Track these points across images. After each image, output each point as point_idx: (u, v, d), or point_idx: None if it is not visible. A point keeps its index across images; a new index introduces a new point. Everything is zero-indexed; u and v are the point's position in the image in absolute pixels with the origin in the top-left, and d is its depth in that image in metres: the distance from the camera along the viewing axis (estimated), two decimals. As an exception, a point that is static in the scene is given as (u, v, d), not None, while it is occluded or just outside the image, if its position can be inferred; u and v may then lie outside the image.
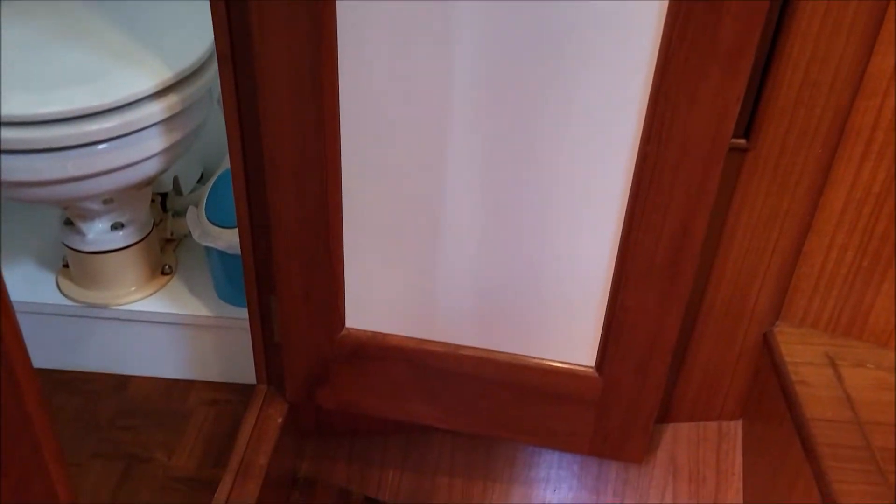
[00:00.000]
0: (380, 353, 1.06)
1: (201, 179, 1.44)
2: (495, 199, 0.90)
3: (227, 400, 1.28)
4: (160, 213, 1.34)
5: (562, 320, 0.98)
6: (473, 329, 1.01)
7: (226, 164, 1.13)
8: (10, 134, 0.94)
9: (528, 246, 0.92)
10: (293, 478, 1.22)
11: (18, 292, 1.25)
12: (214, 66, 1.02)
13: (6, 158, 0.95)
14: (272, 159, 0.93)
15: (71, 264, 1.25)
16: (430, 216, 0.93)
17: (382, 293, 1.02)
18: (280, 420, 1.13)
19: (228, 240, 1.14)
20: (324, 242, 0.98)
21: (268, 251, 1.03)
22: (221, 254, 1.17)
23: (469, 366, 1.03)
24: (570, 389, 1.02)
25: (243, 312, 1.13)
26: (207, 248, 1.19)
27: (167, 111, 1.02)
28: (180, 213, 1.37)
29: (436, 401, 1.09)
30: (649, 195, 0.85)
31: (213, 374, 1.31)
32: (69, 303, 1.24)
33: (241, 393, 1.29)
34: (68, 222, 1.20)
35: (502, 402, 1.06)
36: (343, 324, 1.05)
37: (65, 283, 1.26)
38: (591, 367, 1.00)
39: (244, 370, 1.27)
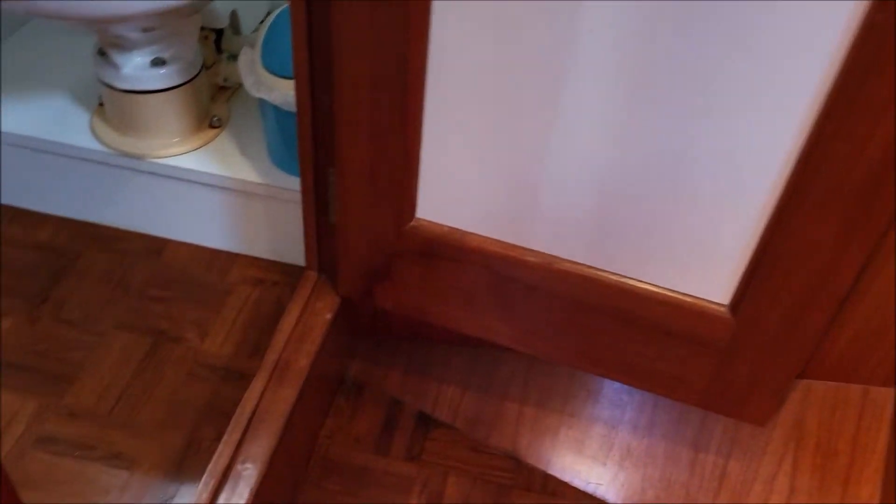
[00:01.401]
0: (455, 253, 0.85)
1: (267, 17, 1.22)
2: (642, 69, 0.66)
3: (272, 281, 1.11)
4: (213, 53, 1.13)
5: (698, 242, 0.75)
6: (580, 240, 0.79)
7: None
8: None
9: (675, 139, 0.68)
10: (339, 379, 1.06)
11: (48, 131, 1.07)
12: None
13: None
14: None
15: (106, 104, 1.07)
16: (547, 81, 0.69)
17: (467, 181, 0.81)
18: (329, 316, 0.95)
19: (286, 92, 0.93)
20: (400, 107, 0.76)
21: (330, 112, 0.81)
22: (277, 110, 0.96)
23: (566, 284, 0.82)
24: (691, 328, 0.80)
25: (296, 184, 0.93)
26: (261, 102, 0.98)
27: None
28: (237, 57, 1.16)
29: (517, 319, 0.89)
30: (864, 87, 0.59)
31: (259, 250, 1.13)
32: (102, 148, 1.06)
33: (289, 275, 1.12)
34: (101, 52, 1.00)
35: (599, 332, 0.85)
36: (413, 213, 0.85)
37: (99, 125, 1.08)
38: (723, 306, 0.78)
39: (295, 249, 1.09)
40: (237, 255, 1.14)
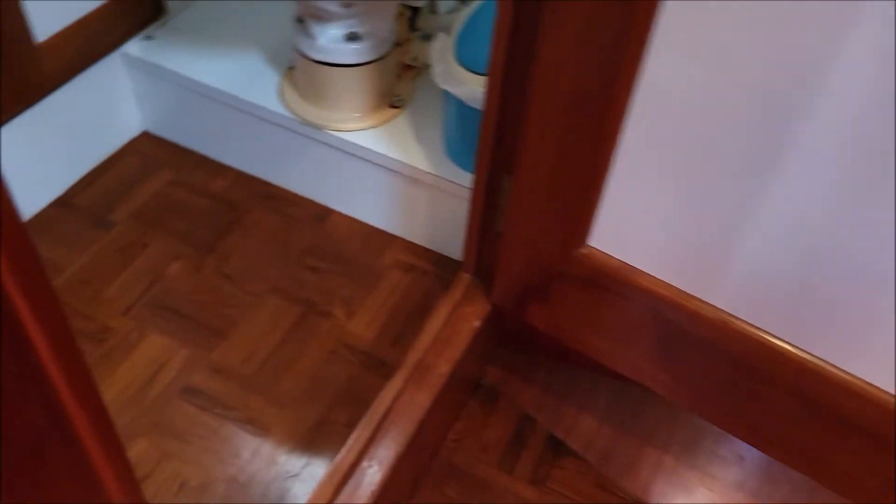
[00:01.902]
0: (623, 289, 0.79)
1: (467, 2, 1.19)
2: (888, 140, 0.56)
3: (425, 270, 1.09)
4: (406, 31, 1.11)
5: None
6: (769, 306, 0.71)
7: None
8: None
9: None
10: (476, 382, 1.03)
11: (239, 88, 1.10)
12: None
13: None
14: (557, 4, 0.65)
15: (296, 70, 1.07)
16: (770, 134, 0.62)
17: (653, 219, 0.74)
18: (477, 323, 0.92)
19: (473, 88, 0.89)
20: (596, 128, 0.70)
21: (518, 119, 0.77)
22: (461, 103, 0.93)
23: (742, 348, 0.74)
24: (883, 427, 0.70)
25: (467, 180, 0.90)
26: (446, 92, 0.95)
27: None
28: (430, 37, 1.13)
29: (676, 369, 0.82)
30: None
31: (418, 236, 1.12)
32: (285, 113, 1.07)
33: (443, 267, 1.09)
34: (300, 20, 1.00)
35: (767, 404, 0.77)
36: (585, 239, 0.79)
37: (286, 89, 1.09)
38: (921, 410, 0.68)
39: (453, 242, 1.06)
40: (394, 237, 1.13)
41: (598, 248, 0.79)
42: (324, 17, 0.97)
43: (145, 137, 1.24)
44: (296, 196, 1.17)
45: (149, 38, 1.16)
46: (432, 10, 1.12)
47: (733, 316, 0.73)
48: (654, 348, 0.82)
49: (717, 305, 0.74)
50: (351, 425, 0.92)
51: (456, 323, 0.92)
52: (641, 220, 0.76)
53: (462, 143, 0.99)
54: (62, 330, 0.39)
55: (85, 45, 1.07)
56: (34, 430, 0.37)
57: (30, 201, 1.10)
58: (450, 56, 0.92)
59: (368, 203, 1.12)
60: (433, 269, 1.09)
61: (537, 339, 1.02)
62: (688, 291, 0.75)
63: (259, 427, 0.92)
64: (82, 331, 0.99)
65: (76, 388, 0.39)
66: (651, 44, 0.62)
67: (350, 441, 0.81)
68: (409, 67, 1.12)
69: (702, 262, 0.73)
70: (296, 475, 0.88)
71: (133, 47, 1.15)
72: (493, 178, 0.85)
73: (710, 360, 0.78)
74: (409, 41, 1.12)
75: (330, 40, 0.99)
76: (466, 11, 0.96)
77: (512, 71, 0.77)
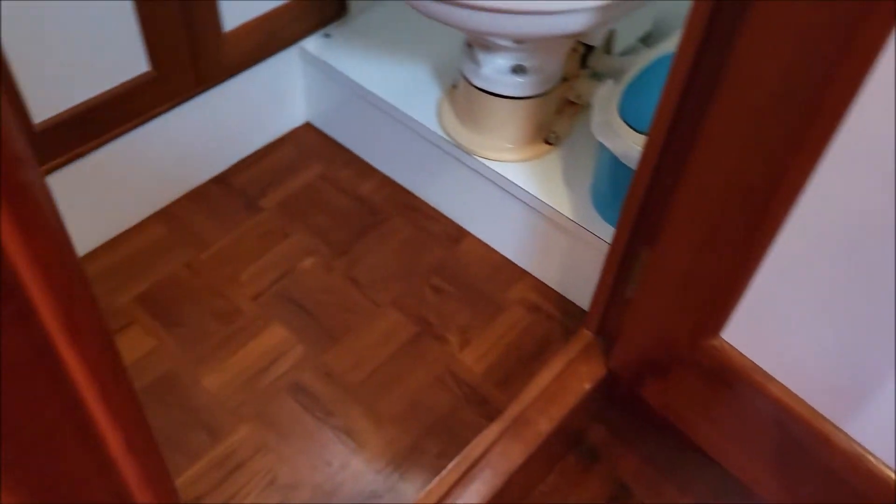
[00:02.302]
0: (749, 392, 0.74)
1: (647, 40, 1.14)
2: None
3: (549, 314, 1.07)
4: (577, 67, 1.08)
5: None
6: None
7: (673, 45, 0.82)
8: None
9: None
10: (577, 438, 1.00)
11: (400, 99, 1.11)
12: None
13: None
14: (736, 83, 0.60)
15: (458, 90, 1.07)
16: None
17: (797, 328, 0.68)
18: (588, 386, 0.89)
19: (630, 146, 0.86)
20: (753, 221, 0.65)
21: (669, 192, 0.73)
22: (615, 158, 0.89)
23: (867, 485, 0.67)
24: None
25: (609, 233, 0.87)
26: (601, 143, 0.92)
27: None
28: (599, 76, 1.10)
29: (788, 482, 0.76)
30: None
31: (549, 277, 1.09)
32: (439, 131, 1.08)
33: (568, 314, 1.07)
34: (469, 44, 1.00)
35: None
36: (718, 331, 0.74)
37: (445, 108, 1.09)
38: None
39: (582, 291, 1.03)
40: (525, 273, 1.11)
41: (730, 342, 0.74)
42: (493, 49, 0.96)
43: (307, 128, 1.28)
44: (436, 212, 1.17)
45: (327, 35, 1.20)
46: (607, 49, 1.08)
47: (869, 452, 0.66)
48: (769, 456, 0.76)
49: (853, 436, 0.67)
50: (442, 457, 0.92)
51: (567, 380, 0.89)
52: (784, 326, 0.70)
53: (609, 197, 0.95)
54: (77, 304, 0.33)
55: (266, 38, 1.12)
56: (41, 418, 0.33)
57: (194, 174, 1.17)
58: (613, 107, 0.89)
59: (505, 234, 1.11)
60: (558, 314, 1.07)
61: (649, 407, 0.98)
62: (821, 412, 0.69)
63: (354, 439, 0.94)
64: (214, 309, 1.04)
65: (93, 372, 0.34)
66: (826, 153, 0.57)
67: (437, 479, 0.81)
68: (571, 104, 1.10)
69: (845, 385, 0.66)
70: (379, 497, 0.89)
71: (311, 44, 1.19)
72: (632, 246, 0.82)
73: (832, 488, 0.72)
74: (578, 78, 1.09)
75: (495, 70, 0.98)
76: (641, 63, 0.92)
77: (673, 140, 0.73)
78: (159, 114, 1.05)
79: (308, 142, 1.26)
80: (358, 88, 1.14)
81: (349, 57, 1.17)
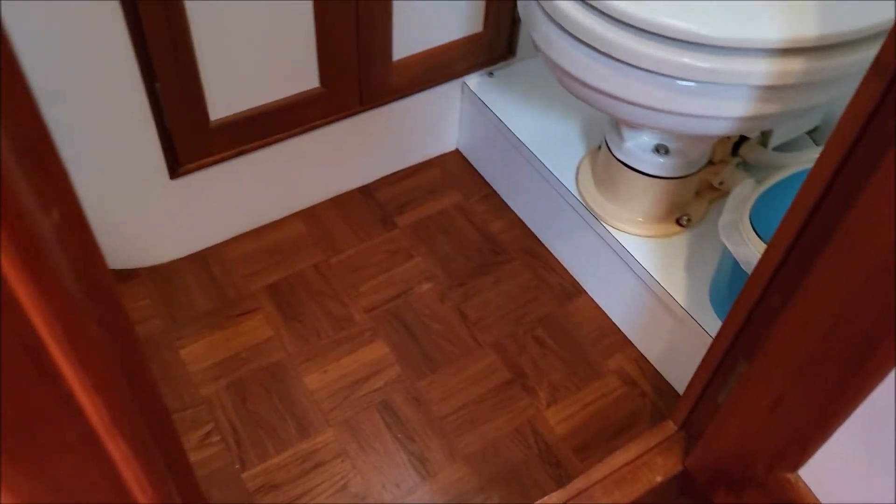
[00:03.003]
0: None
1: (815, 134, 1.10)
2: None
3: (643, 391, 1.06)
4: (725, 153, 1.06)
5: None
6: None
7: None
8: (586, 21, 0.75)
9: None
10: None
11: (542, 150, 1.14)
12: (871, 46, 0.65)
13: (569, 44, 0.77)
14: (858, 223, 0.59)
15: (599, 155, 1.09)
16: None
17: (879, 486, 0.65)
18: (660, 479, 0.88)
19: (751, 253, 0.84)
20: (848, 369, 0.63)
21: (776, 312, 0.72)
22: (736, 260, 0.88)
23: None
24: None
25: (715, 326, 0.86)
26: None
27: (787, 77, 0.71)
28: (749, 167, 1.08)
29: None
30: None
31: (652, 353, 1.09)
32: (573, 190, 1.10)
33: (663, 395, 1.06)
34: (618, 117, 1.01)
35: None
36: (797, 466, 0.72)
37: (584, 168, 1.11)
38: None
39: (681, 375, 1.02)
40: (629, 343, 1.11)
41: (807, 482, 0.72)
42: (639, 128, 0.96)
43: (455, 155, 1.34)
44: (557, 263, 1.19)
45: (490, 74, 1.25)
46: (762, 142, 1.06)
47: None
48: None
49: None
50: (503, 509, 0.95)
51: (640, 468, 0.89)
52: (867, 479, 0.67)
53: (725, 296, 0.94)
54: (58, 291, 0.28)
55: (432, 70, 1.18)
56: (25, 404, 0.30)
57: (343, 181, 1.26)
58: (745, 209, 0.88)
59: (618, 301, 1.11)
60: (651, 393, 1.06)
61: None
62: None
63: (426, 468, 0.98)
64: (331, 313, 1.12)
65: (81, 358, 0.30)
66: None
67: (487, 532, 0.84)
68: (712, 187, 1.08)
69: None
70: (435, 530, 0.94)
71: (473, 80, 1.24)
72: (730, 355, 0.81)
73: None
74: (725, 163, 1.07)
75: (637, 146, 0.99)
76: (790, 168, 0.90)
77: (789, 262, 0.71)
78: (322, 125, 1.13)
79: (453, 169, 1.32)
80: (506, 131, 1.18)
81: (505, 99, 1.21)
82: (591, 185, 1.09)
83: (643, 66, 0.72)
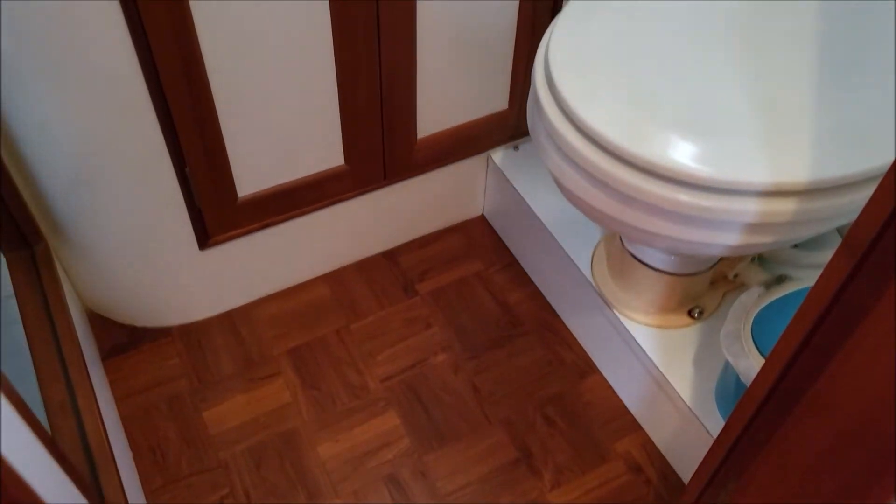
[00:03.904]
0: None
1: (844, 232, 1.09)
2: None
3: (648, 478, 1.07)
4: (742, 245, 1.06)
5: None
6: None
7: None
8: (585, 151, 0.76)
9: None
10: None
11: (559, 229, 1.16)
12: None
13: (570, 168, 0.79)
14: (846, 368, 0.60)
15: (613, 246, 1.10)
16: None
17: None
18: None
19: (750, 366, 0.85)
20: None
21: (767, 434, 0.72)
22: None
23: None
24: None
25: (718, 426, 0.86)
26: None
27: (779, 216, 0.72)
28: (766, 262, 1.07)
29: None
30: None
31: (659, 439, 1.09)
32: (587, 273, 1.11)
33: (666, 483, 1.07)
34: (631, 211, 1.02)
35: None
36: None
37: (600, 253, 1.13)
38: None
39: (687, 466, 1.03)
40: (639, 428, 1.12)
41: None
42: (650, 222, 0.97)
43: (480, 221, 1.36)
44: (573, 339, 1.21)
45: (515, 148, 1.27)
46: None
47: None
48: None
49: None
50: None
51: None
52: None
53: (730, 398, 0.94)
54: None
55: (457, 146, 1.21)
56: None
57: (367, 246, 1.30)
58: (748, 319, 0.88)
59: (630, 385, 1.12)
60: (657, 481, 1.07)
61: None
62: None
63: (427, 546, 1.01)
64: (347, 380, 1.16)
65: None
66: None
67: None
68: (726, 279, 1.08)
69: None
70: None
71: (498, 154, 1.26)
72: (721, 471, 0.81)
73: None
74: (741, 258, 1.07)
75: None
76: (795, 283, 0.90)
77: (787, 380, 0.72)
78: (346, 199, 1.18)
79: (477, 235, 1.35)
80: (527, 208, 1.20)
81: (529, 174, 1.23)
82: (605, 272, 1.10)
83: (640, 198, 0.74)
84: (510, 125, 1.24)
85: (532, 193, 1.21)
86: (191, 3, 0.84)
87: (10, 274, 1.02)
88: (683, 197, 0.72)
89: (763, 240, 0.75)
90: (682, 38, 0.83)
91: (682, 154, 0.71)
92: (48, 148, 0.94)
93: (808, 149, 0.70)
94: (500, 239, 1.34)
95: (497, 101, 1.19)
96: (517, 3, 1.07)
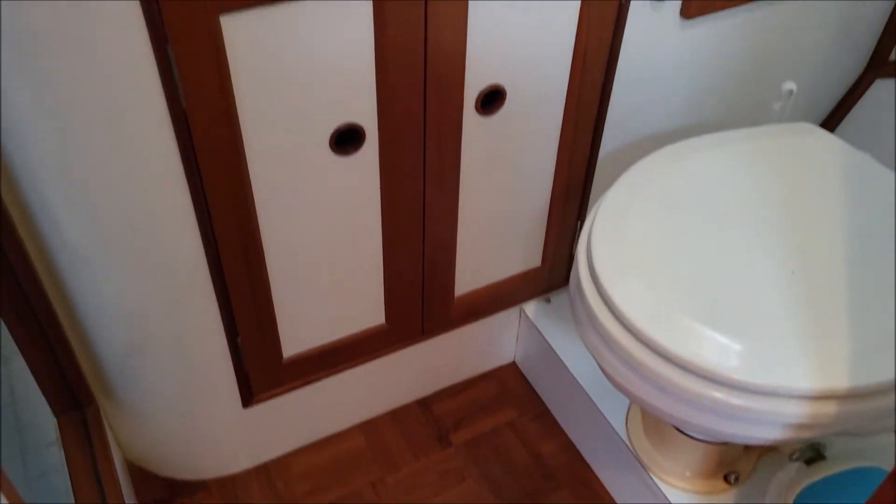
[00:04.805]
0: None
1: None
2: None
3: None
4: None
5: None
6: None
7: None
8: (620, 338, 0.80)
9: None
10: None
11: (590, 382, 1.18)
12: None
13: (607, 350, 0.83)
14: None
15: (650, 402, 1.12)
16: None
17: None
18: None
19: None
20: None
21: None
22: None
23: None
24: None
25: None
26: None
27: (821, 418, 0.75)
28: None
29: None
30: None
31: None
32: (621, 432, 1.13)
33: None
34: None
35: None
36: None
37: (634, 414, 1.15)
38: None
39: None
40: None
41: None
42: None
43: (512, 368, 1.39)
44: (606, 493, 1.22)
45: (547, 301, 1.31)
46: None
47: None
48: None
49: None
50: None
51: None
52: None
53: (769, 575, 0.95)
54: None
55: (493, 301, 1.25)
56: None
57: (402, 395, 1.32)
58: (789, 497, 0.89)
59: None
60: None
61: None
62: None
63: None
64: (382, 537, 1.16)
65: None
66: None
67: None
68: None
69: None
70: None
71: (530, 307, 1.30)
72: None
73: None
74: (773, 420, 1.09)
75: (684, 410, 1.02)
76: (842, 461, 0.92)
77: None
78: (383, 355, 1.21)
79: (510, 383, 1.37)
80: (560, 363, 1.23)
81: (561, 327, 1.27)
82: (640, 432, 1.12)
83: (674, 392, 0.77)
84: (542, 280, 1.28)
85: (564, 347, 1.25)
86: (254, 192, 0.90)
87: (61, 433, 1.05)
88: (718, 394, 0.75)
89: (800, 435, 0.77)
90: (719, 230, 0.88)
91: (718, 353, 0.75)
92: (108, 320, 0.98)
93: (845, 353, 0.74)
94: (531, 387, 1.36)
95: (531, 259, 1.24)
96: (551, 179, 1.13)
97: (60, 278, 0.93)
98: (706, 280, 0.82)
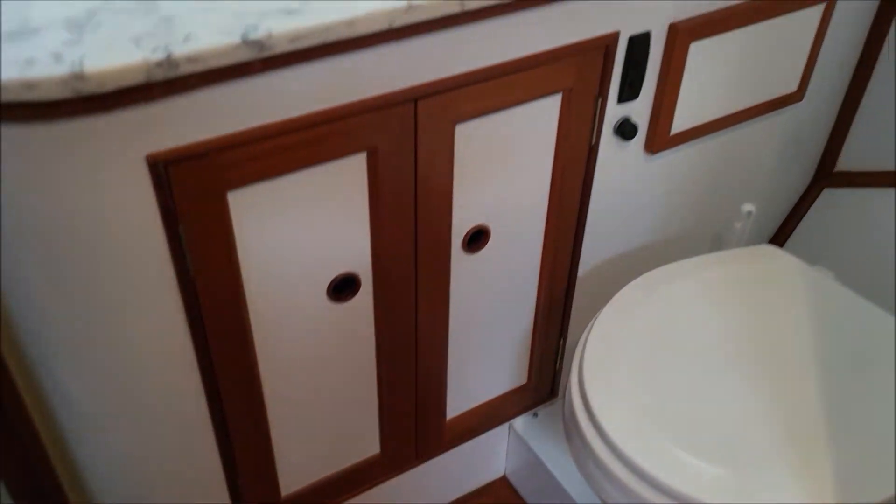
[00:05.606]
0: None
1: None
2: None
3: None
4: None
5: None
6: None
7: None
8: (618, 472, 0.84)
9: None
10: None
11: (583, 498, 1.21)
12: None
13: (609, 484, 0.87)
14: None
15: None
16: None
17: None
18: None
19: None
20: None
21: None
22: None
23: None
24: None
25: None
26: None
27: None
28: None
29: None
30: None
31: None
32: None
33: None
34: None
35: None
36: None
37: None
38: None
39: None
40: None
41: None
42: None
43: (503, 483, 1.41)
44: None
45: (535, 415, 1.34)
46: None
47: None
48: None
49: None
50: None
51: None
52: None
53: None
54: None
55: (483, 420, 1.28)
56: None
57: (398, 516, 1.33)
58: None
59: None
60: None
61: None
62: None
63: None
64: None
65: None
66: None
67: None
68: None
69: None
70: None
71: (519, 422, 1.33)
72: None
73: None
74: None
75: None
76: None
77: None
78: (377, 484, 1.22)
79: (501, 496, 1.39)
80: (551, 477, 1.26)
81: (550, 440, 1.30)
82: None
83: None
84: (529, 395, 1.32)
85: (553, 459, 1.27)
86: (255, 342, 0.93)
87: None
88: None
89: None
90: (698, 359, 0.93)
91: (709, 486, 0.79)
92: (109, 469, 0.98)
93: (830, 477, 0.79)
94: (523, 500, 1.38)
95: (518, 377, 1.28)
96: (534, 302, 1.18)
97: (62, 437, 0.93)
98: (696, 409, 0.87)
